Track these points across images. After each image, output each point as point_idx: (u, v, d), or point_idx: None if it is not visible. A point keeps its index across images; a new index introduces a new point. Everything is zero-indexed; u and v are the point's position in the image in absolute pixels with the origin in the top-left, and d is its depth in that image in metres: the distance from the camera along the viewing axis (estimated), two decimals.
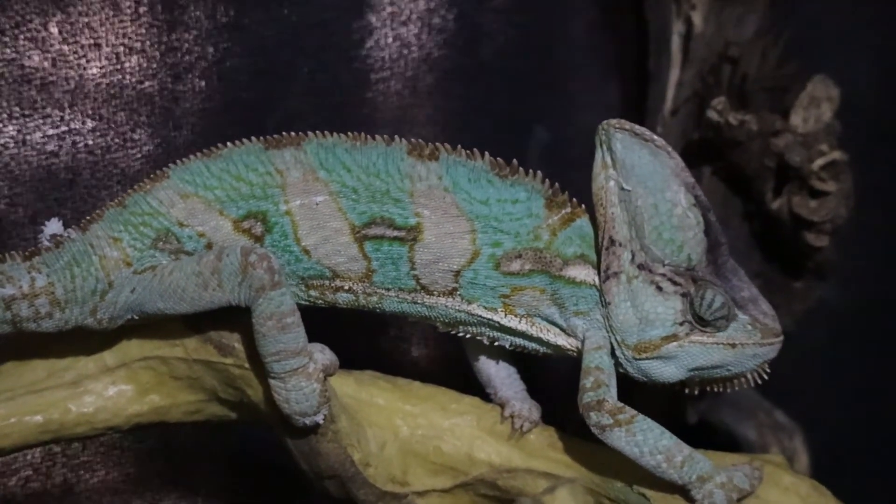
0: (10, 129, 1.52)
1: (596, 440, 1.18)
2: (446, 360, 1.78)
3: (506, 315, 1.22)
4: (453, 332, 1.25)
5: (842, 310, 2.06)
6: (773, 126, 1.71)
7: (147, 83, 1.58)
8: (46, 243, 1.20)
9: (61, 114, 1.55)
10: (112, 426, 1.25)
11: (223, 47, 1.62)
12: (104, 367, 1.25)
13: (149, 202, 1.19)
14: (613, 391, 1.18)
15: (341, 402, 1.23)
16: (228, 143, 1.20)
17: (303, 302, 1.22)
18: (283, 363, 1.16)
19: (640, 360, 1.20)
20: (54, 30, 1.53)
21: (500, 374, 1.31)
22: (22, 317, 1.18)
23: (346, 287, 1.21)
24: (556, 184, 1.21)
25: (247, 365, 1.21)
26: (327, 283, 1.21)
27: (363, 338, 1.69)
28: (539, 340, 1.23)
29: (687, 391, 1.24)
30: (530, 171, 1.21)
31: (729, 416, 1.88)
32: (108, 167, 1.58)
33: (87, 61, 1.55)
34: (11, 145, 1.53)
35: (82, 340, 1.23)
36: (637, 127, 1.18)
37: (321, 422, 1.19)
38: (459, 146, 1.20)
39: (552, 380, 1.44)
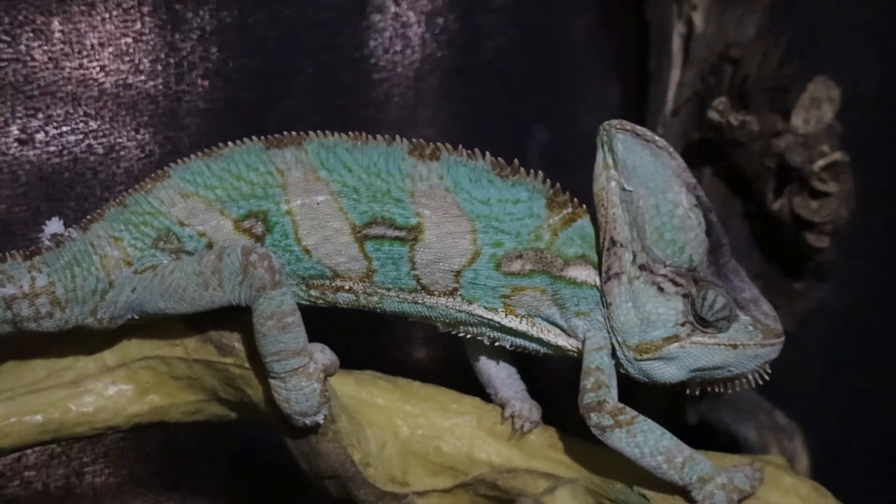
0: (13, 129, 1.52)
1: (596, 441, 1.17)
2: (447, 361, 1.78)
3: (506, 315, 1.22)
4: (454, 333, 1.25)
5: (842, 311, 2.07)
6: (774, 127, 1.71)
7: (150, 83, 1.58)
8: (47, 243, 1.20)
9: (64, 113, 1.55)
10: (112, 426, 1.25)
11: (226, 47, 1.62)
12: (104, 367, 1.25)
13: (150, 201, 1.19)
14: (614, 392, 1.18)
15: (341, 402, 1.23)
16: (229, 143, 1.20)
17: (303, 302, 1.22)
18: (284, 363, 1.16)
19: (641, 360, 1.20)
20: (57, 29, 1.53)
21: (500, 375, 1.31)
22: (22, 316, 1.17)
23: (347, 287, 1.21)
24: (558, 184, 1.21)
25: (247, 365, 1.21)
26: (328, 282, 1.21)
27: (363, 338, 1.69)
28: (540, 341, 1.23)
29: (688, 392, 1.24)
30: (531, 171, 1.21)
31: (729, 417, 1.88)
32: (111, 167, 1.58)
33: (90, 61, 1.55)
34: (14, 145, 1.53)
35: (82, 340, 1.23)
36: (638, 128, 1.18)
37: (321, 422, 1.19)
38: (460, 146, 1.20)
39: (553, 380, 1.44)
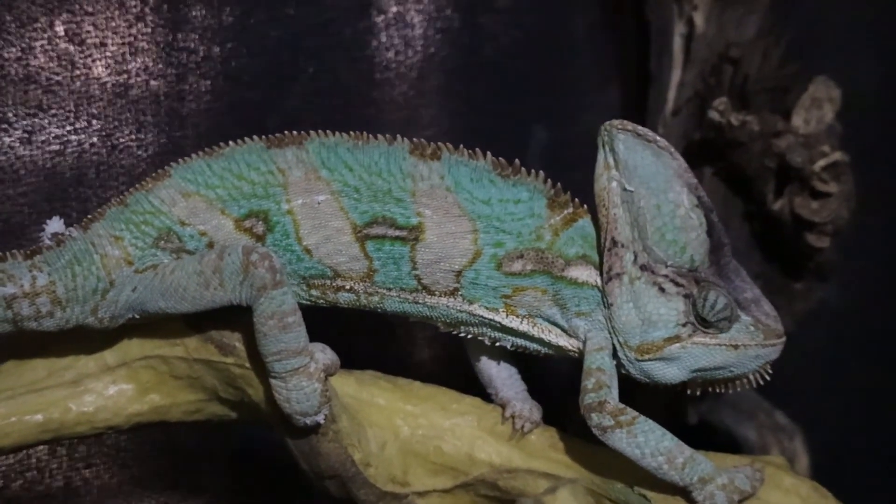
0: (16, 129, 1.52)
1: (597, 441, 1.17)
2: (447, 361, 1.78)
3: (507, 315, 1.22)
4: (454, 333, 1.25)
5: (842, 311, 2.07)
6: (775, 127, 1.71)
7: (152, 83, 1.58)
8: (48, 242, 1.20)
9: (67, 113, 1.55)
10: (112, 425, 1.25)
11: (228, 47, 1.62)
12: (105, 367, 1.24)
13: (150, 201, 1.19)
14: (615, 392, 1.18)
15: (342, 401, 1.23)
16: (230, 142, 1.20)
17: (304, 301, 1.22)
18: (284, 363, 1.16)
19: (642, 361, 1.20)
20: (60, 29, 1.53)
21: (501, 375, 1.31)
22: (23, 315, 1.17)
23: (348, 287, 1.21)
24: (559, 184, 1.21)
25: (247, 364, 1.21)
26: (329, 282, 1.21)
27: (364, 338, 1.69)
28: (540, 341, 1.23)
29: (689, 392, 1.24)
30: (532, 171, 1.20)
31: (729, 418, 1.88)
32: (114, 167, 1.58)
33: (93, 61, 1.55)
34: (17, 145, 1.53)
35: (83, 339, 1.23)
36: (640, 128, 1.18)
37: (322, 421, 1.19)
38: (461, 146, 1.20)
39: (553, 380, 1.44)
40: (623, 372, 1.21)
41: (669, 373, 1.20)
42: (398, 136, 1.20)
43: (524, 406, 1.28)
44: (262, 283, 1.14)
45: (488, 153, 1.20)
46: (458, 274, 1.20)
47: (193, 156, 1.20)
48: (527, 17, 1.84)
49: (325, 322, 1.22)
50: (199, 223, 1.19)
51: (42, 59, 1.52)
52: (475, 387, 1.31)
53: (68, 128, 1.55)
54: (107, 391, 1.24)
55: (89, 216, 1.20)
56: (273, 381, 1.17)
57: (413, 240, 1.19)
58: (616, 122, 1.19)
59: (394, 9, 1.73)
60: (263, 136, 1.20)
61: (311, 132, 1.20)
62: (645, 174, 1.17)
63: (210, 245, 1.19)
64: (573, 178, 1.24)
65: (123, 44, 1.56)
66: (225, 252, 1.16)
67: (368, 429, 1.24)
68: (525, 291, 1.21)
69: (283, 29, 1.65)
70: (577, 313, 1.21)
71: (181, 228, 1.19)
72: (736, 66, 1.77)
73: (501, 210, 1.20)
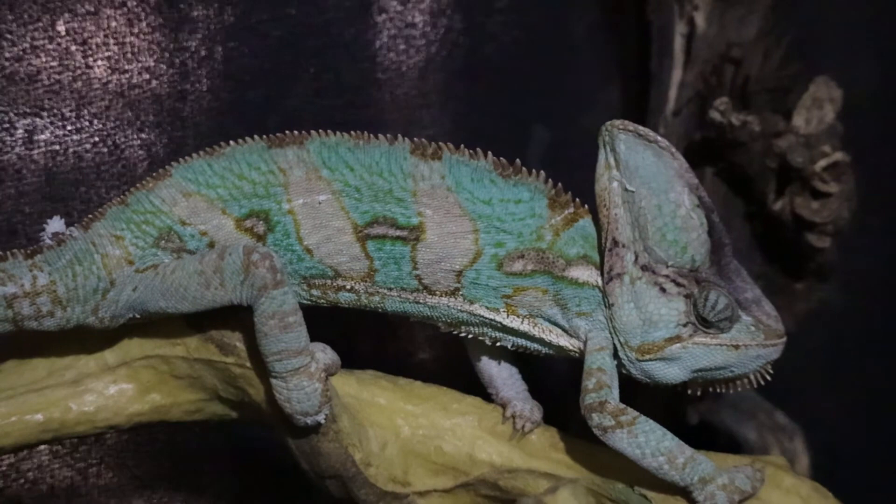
0: (18, 129, 1.52)
1: (598, 441, 1.17)
2: (448, 361, 1.78)
3: (508, 315, 1.22)
4: (455, 333, 1.25)
5: (843, 311, 2.06)
6: (776, 127, 1.71)
7: (154, 82, 1.59)
8: (48, 241, 1.20)
9: (68, 113, 1.55)
10: (113, 425, 1.25)
11: (230, 47, 1.62)
12: (105, 366, 1.25)
13: (151, 200, 1.19)
14: (615, 392, 1.18)
15: (343, 401, 1.23)
16: (231, 142, 1.20)
17: (305, 301, 1.22)
18: (285, 362, 1.16)
19: (643, 361, 1.20)
20: (61, 29, 1.53)
21: (501, 375, 1.31)
22: (23, 315, 1.17)
23: (349, 286, 1.21)
24: (560, 184, 1.21)
25: (248, 364, 1.21)
26: (329, 282, 1.21)
27: (365, 337, 1.69)
28: (541, 341, 1.23)
29: (689, 392, 1.24)
30: (533, 170, 1.20)
31: (729, 418, 1.88)
32: (115, 166, 1.58)
33: (95, 60, 1.55)
34: (19, 144, 1.53)
35: (83, 339, 1.23)
36: (641, 128, 1.18)
37: (322, 421, 1.19)
38: (462, 145, 1.20)
39: (554, 380, 1.44)
40: (624, 372, 1.21)
41: (670, 373, 1.20)
42: (399, 135, 1.20)
43: (525, 406, 1.28)
44: (263, 283, 1.14)
45: (489, 153, 1.20)
46: (459, 274, 1.20)
47: (194, 155, 1.20)
48: (528, 18, 1.84)
49: (325, 322, 1.22)
50: (199, 223, 1.19)
51: (43, 59, 1.53)
52: (476, 387, 1.31)
53: (69, 127, 1.55)
54: (107, 391, 1.24)
55: (90, 215, 1.20)
56: (274, 381, 1.17)
57: (414, 240, 1.19)
58: (617, 122, 1.19)
59: (395, 9, 1.73)
60: (264, 136, 1.20)
61: (312, 132, 1.20)
62: (646, 174, 1.17)
63: (211, 245, 1.19)
64: (574, 178, 1.24)
65: (125, 44, 1.56)
66: (226, 252, 1.16)
67: (369, 429, 1.24)
68: (526, 291, 1.21)
69: (285, 29, 1.65)
70: (578, 313, 1.21)
71: (182, 228, 1.19)
72: (737, 66, 1.77)
73: (502, 210, 1.20)
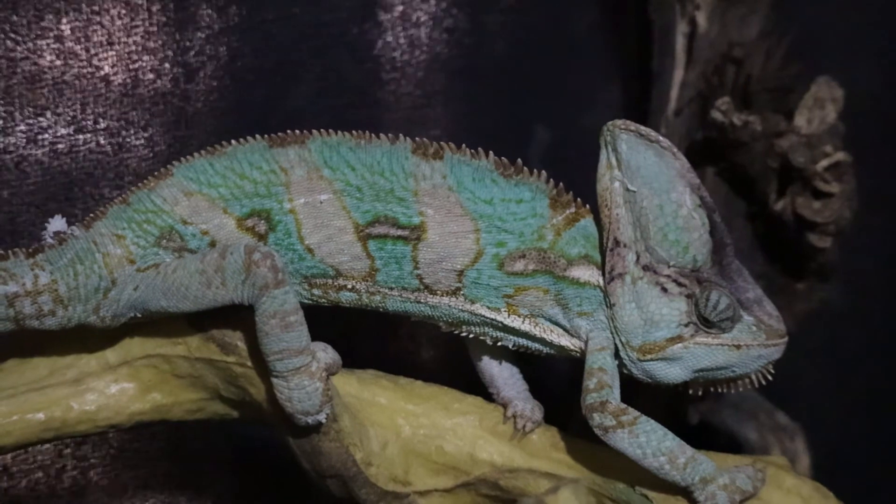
0: (22, 128, 1.53)
1: (598, 441, 1.17)
2: (448, 360, 1.78)
3: (509, 315, 1.22)
4: (456, 332, 1.25)
5: (844, 311, 2.06)
6: (777, 127, 1.70)
7: (159, 82, 1.59)
8: (50, 240, 1.20)
9: (73, 112, 1.55)
10: (114, 424, 1.25)
11: (234, 47, 1.62)
12: (106, 365, 1.25)
13: (153, 200, 1.19)
14: (617, 392, 1.18)
15: (343, 401, 1.23)
16: (233, 141, 1.20)
17: (306, 301, 1.22)
18: (286, 362, 1.16)
19: (644, 361, 1.20)
20: (66, 28, 1.53)
21: (502, 374, 1.31)
22: (25, 314, 1.17)
23: (350, 286, 1.21)
24: (561, 184, 1.21)
25: (249, 363, 1.21)
26: (331, 281, 1.21)
27: (366, 337, 1.69)
28: (542, 341, 1.23)
29: (691, 392, 1.24)
30: (535, 170, 1.20)
31: (730, 418, 1.88)
32: (120, 166, 1.58)
33: (99, 60, 1.55)
34: (23, 144, 1.53)
35: (85, 338, 1.23)
36: (642, 128, 1.18)
37: (323, 421, 1.19)
38: (464, 145, 1.20)
39: (555, 380, 1.44)
40: (625, 372, 1.21)
41: (672, 373, 1.20)
42: (401, 135, 1.20)
43: (526, 406, 1.28)
44: (264, 283, 1.14)
45: (490, 153, 1.20)
46: (460, 273, 1.20)
47: (196, 154, 1.20)
48: (530, 17, 1.84)
49: (326, 321, 1.22)
50: (201, 222, 1.19)
51: (48, 59, 1.53)
52: (477, 386, 1.31)
53: (74, 127, 1.55)
54: (108, 390, 1.24)
55: (91, 214, 1.20)
56: (275, 381, 1.17)
57: (415, 239, 1.19)
58: (619, 121, 1.19)
59: (399, 8, 1.73)
60: (266, 135, 1.20)
61: (314, 131, 1.20)
62: (647, 174, 1.17)
63: (212, 244, 1.19)
64: (575, 177, 1.24)
65: (130, 43, 1.56)
66: (227, 251, 1.16)
67: (370, 428, 1.24)
68: (527, 291, 1.21)
69: (289, 28, 1.65)
70: (580, 313, 1.21)
71: (183, 227, 1.19)
72: (739, 65, 1.77)
73: (504, 210, 1.20)
